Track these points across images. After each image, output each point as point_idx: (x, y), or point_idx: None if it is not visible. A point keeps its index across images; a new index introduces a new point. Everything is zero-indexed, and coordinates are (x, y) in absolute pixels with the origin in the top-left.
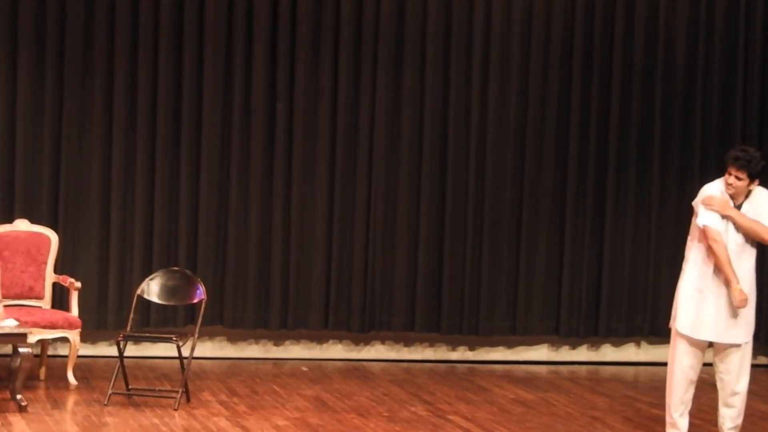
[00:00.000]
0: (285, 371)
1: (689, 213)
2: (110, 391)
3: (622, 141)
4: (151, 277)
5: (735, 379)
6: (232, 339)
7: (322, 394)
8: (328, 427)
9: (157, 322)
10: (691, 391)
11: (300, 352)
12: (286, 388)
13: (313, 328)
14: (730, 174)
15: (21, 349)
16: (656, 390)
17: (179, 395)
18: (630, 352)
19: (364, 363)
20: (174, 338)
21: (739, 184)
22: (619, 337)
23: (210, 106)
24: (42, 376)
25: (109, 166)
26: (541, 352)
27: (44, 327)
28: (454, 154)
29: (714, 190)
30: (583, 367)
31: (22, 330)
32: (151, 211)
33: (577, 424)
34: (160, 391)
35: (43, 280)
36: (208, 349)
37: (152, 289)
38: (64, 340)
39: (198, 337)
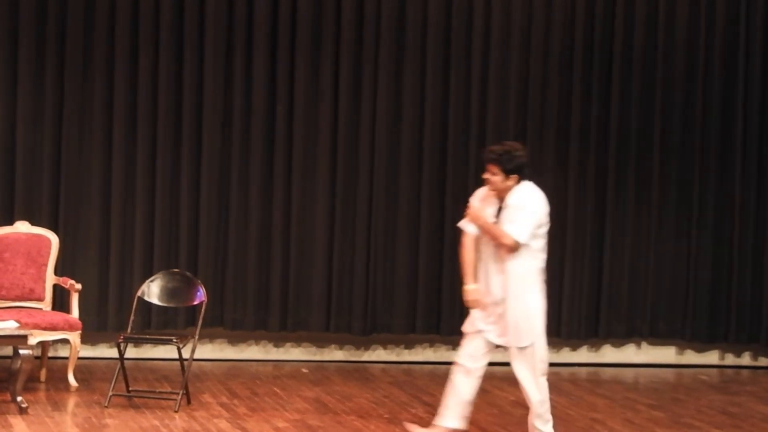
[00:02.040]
0: (285, 373)
1: (689, 214)
2: (110, 393)
3: (621, 143)
4: (151, 278)
5: (522, 385)
6: (233, 341)
7: (322, 395)
8: (328, 429)
9: (158, 324)
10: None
11: (300, 354)
12: (286, 389)
13: (314, 330)
14: (486, 169)
15: (21, 351)
16: (657, 392)
17: (179, 397)
18: (630, 354)
19: (365, 365)
20: (174, 340)
21: (495, 179)
22: (618, 339)
23: (210, 107)
24: (42, 377)
25: (109, 167)
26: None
27: (45, 329)
28: (454, 156)
29: (481, 191)
30: (584, 369)
31: (22, 332)
32: (152, 213)
33: (577, 426)
34: (160, 392)
35: (44, 281)
36: (209, 350)
37: (152, 290)
38: (65, 341)
39: (198, 339)
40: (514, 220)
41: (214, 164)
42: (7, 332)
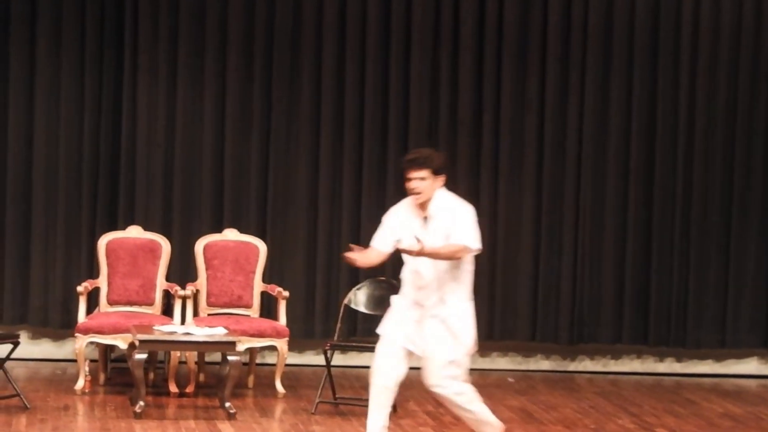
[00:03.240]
0: (491, 382)
1: None
2: (317, 400)
3: None
4: (357, 286)
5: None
6: None
7: (527, 405)
8: None
9: (364, 331)
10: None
11: (506, 363)
12: (492, 399)
13: (520, 339)
14: (410, 179)
15: (230, 357)
16: None
17: None
18: None
19: (571, 375)
20: None
21: (423, 184)
22: None
23: (416, 117)
24: (250, 384)
25: (316, 175)
26: (750, 365)
27: (252, 335)
28: (661, 164)
29: (402, 208)
30: None
31: (231, 338)
32: (358, 221)
33: None
34: (366, 400)
35: (252, 289)
36: (416, 359)
37: (359, 298)
38: (272, 348)
39: None
40: (459, 227)
41: None
42: (216, 339)
